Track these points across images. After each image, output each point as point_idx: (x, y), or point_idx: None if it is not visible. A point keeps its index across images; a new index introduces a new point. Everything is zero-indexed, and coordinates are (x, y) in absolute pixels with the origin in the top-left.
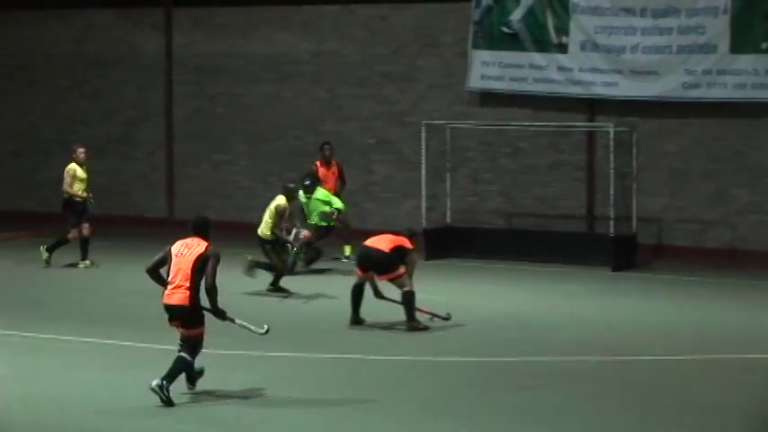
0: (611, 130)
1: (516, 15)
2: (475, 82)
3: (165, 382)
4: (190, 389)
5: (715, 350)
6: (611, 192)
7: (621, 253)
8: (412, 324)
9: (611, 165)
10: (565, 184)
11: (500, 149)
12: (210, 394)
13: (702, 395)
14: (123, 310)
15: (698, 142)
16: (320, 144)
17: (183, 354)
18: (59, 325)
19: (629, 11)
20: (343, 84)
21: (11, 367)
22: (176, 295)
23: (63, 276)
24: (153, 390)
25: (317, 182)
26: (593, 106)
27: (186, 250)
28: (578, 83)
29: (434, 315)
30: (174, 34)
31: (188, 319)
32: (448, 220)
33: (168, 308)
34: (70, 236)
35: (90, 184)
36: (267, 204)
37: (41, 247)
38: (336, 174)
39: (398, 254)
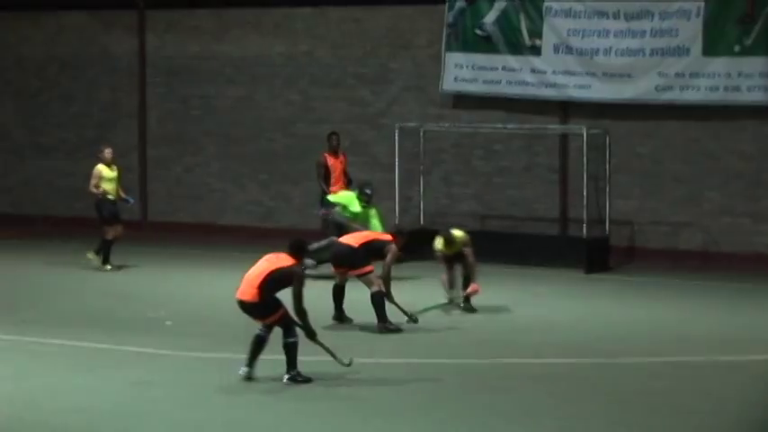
0: (585, 133)
1: (490, 18)
2: (448, 84)
3: (291, 371)
4: (247, 372)
5: (687, 352)
6: (585, 194)
7: (594, 255)
8: (382, 325)
9: (585, 167)
10: (538, 187)
11: (473, 152)
12: (182, 397)
13: (675, 397)
14: (96, 311)
15: (671, 145)
16: (327, 134)
17: (287, 339)
18: (30, 327)
19: (602, 14)
20: (316, 86)
21: None
22: (246, 292)
23: (34, 279)
24: (288, 383)
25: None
26: (567, 109)
27: (274, 258)
28: (552, 85)
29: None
30: (147, 36)
31: (258, 312)
32: (421, 221)
33: (240, 303)
34: (108, 236)
35: (120, 182)
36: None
37: (88, 254)
38: (344, 163)
39: (370, 249)
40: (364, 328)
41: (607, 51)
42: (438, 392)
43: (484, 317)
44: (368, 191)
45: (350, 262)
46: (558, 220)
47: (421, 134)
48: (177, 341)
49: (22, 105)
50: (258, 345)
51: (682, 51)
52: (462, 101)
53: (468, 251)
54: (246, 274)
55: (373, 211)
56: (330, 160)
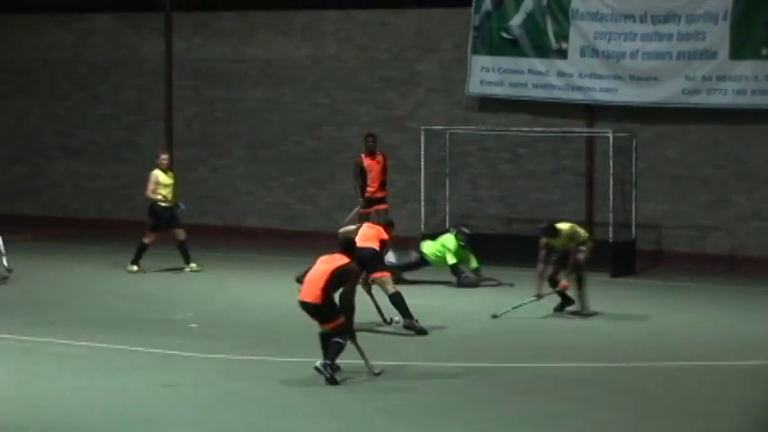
0: (611, 136)
1: (516, 21)
2: (474, 87)
3: (326, 361)
4: (320, 366)
5: (713, 357)
6: (611, 198)
7: (620, 259)
8: (409, 321)
9: (611, 171)
10: (564, 190)
11: (499, 155)
12: (206, 399)
13: (700, 402)
14: (122, 314)
15: (697, 148)
16: (363, 136)
17: (336, 339)
18: (57, 329)
19: (629, 17)
20: (343, 89)
21: (6, 370)
22: (310, 293)
23: (62, 281)
24: (318, 369)
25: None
26: (593, 112)
27: (330, 259)
28: (578, 88)
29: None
30: (174, 39)
31: (323, 315)
32: (447, 225)
33: (302, 305)
34: (146, 240)
35: (177, 189)
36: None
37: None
38: (381, 164)
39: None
40: (391, 331)
41: (634, 54)
42: (464, 396)
43: (510, 320)
44: (465, 230)
45: (372, 265)
46: (583, 223)
47: (447, 137)
48: (203, 343)
49: (50, 107)
50: (325, 341)
51: (709, 54)
52: (488, 104)
53: (579, 250)
54: (307, 277)
55: (468, 252)
56: (366, 161)
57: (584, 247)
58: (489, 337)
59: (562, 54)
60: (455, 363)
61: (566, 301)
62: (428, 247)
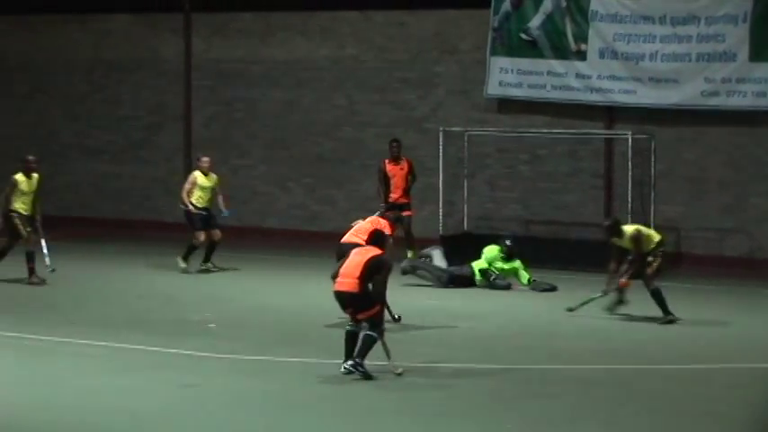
0: (630, 138)
1: (535, 22)
2: (493, 89)
3: (357, 359)
4: (350, 367)
5: (731, 359)
6: (629, 199)
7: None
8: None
9: (629, 173)
10: (583, 192)
11: (518, 156)
12: (225, 399)
13: (718, 404)
14: (140, 314)
15: (716, 150)
16: (389, 141)
17: (369, 332)
18: (75, 328)
19: (648, 18)
20: (362, 90)
21: (25, 370)
22: (346, 283)
23: (80, 281)
24: (347, 371)
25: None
26: (612, 114)
27: (363, 251)
28: (597, 90)
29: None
30: (193, 39)
31: (358, 303)
32: (465, 226)
33: (338, 294)
34: (196, 241)
35: (214, 193)
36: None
37: (177, 258)
38: (406, 170)
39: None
40: (411, 332)
41: (653, 56)
42: (481, 396)
43: (527, 322)
44: (508, 242)
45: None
46: (602, 225)
47: (465, 138)
48: (221, 344)
49: (69, 108)
50: (352, 340)
51: (728, 57)
52: (507, 105)
53: (648, 263)
54: (342, 269)
55: (518, 263)
56: (389, 167)
57: (651, 258)
58: (505, 338)
59: (581, 55)
60: (471, 364)
61: (619, 301)
62: (478, 265)
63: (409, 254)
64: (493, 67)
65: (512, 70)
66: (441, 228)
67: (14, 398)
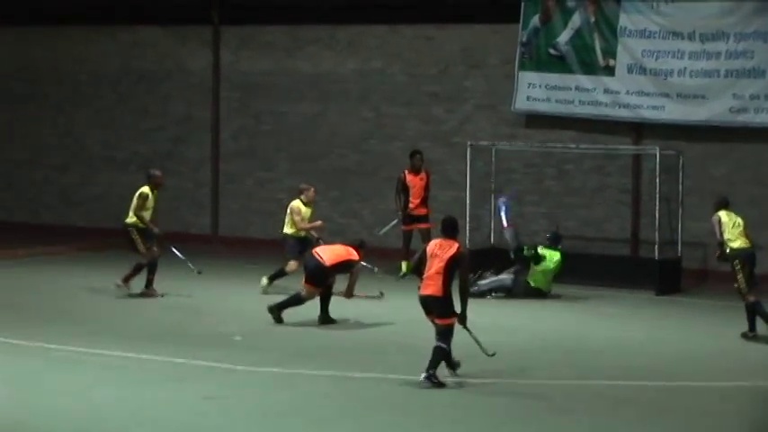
0: (657, 154)
1: (563, 37)
2: (521, 103)
3: (430, 371)
4: (451, 374)
5: (758, 377)
6: (657, 215)
7: (666, 277)
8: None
9: (657, 189)
10: (610, 208)
11: (545, 171)
12: (249, 412)
13: (744, 422)
14: (166, 325)
15: (744, 167)
16: (410, 152)
17: (439, 344)
18: (100, 339)
19: (677, 34)
20: (389, 103)
21: (50, 380)
22: (430, 287)
23: (107, 291)
24: (423, 384)
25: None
26: (640, 129)
27: (440, 251)
28: (625, 106)
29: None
30: (222, 52)
31: (441, 309)
32: (492, 241)
33: (423, 298)
34: (289, 269)
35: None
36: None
37: (263, 278)
38: (425, 180)
39: (339, 267)
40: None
41: (681, 72)
42: (505, 413)
43: (552, 337)
44: (548, 235)
45: (318, 279)
46: (629, 241)
47: (493, 153)
48: (248, 356)
49: (96, 119)
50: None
51: (757, 73)
52: (535, 120)
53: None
54: (426, 274)
55: (557, 255)
56: (409, 177)
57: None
58: (530, 353)
59: (609, 71)
60: (497, 379)
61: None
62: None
63: (404, 266)
64: (521, 81)
65: (540, 85)
66: (467, 242)
67: (38, 407)
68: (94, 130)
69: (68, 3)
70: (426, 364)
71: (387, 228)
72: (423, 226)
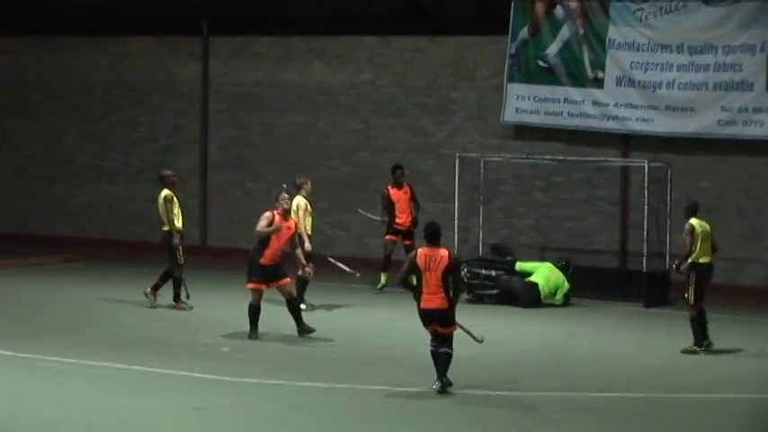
0: (646, 166)
1: (552, 49)
2: (510, 115)
3: (444, 379)
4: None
5: (745, 389)
6: (645, 228)
7: (654, 289)
8: (301, 328)
9: (646, 201)
10: (598, 220)
11: (534, 183)
12: (238, 423)
13: None
14: (154, 336)
15: (732, 179)
16: (392, 167)
17: (446, 349)
18: (89, 350)
19: (665, 47)
20: (378, 115)
21: (38, 391)
22: (435, 301)
23: (95, 302)
24: (439, 391)
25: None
26: (628, 142)
27: (432, 263)
28: (613, 118)
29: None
30: (211, 63)
31: (445, 319)
32: (480, 252)
33: (427, 311)
34: (302, 274)
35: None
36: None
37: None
38: (409, 194)
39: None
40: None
41: (670, 85)
42: (493, 424)
43: (541, 349)
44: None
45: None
46: (617, 253)
47: (481, 165)
48: (235, 367)
49: (86, 129)
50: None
51: (745, 86)
52: (523, 132)
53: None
54: (426, 289)
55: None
56: (392, 192)
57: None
58: (519, 365)
59: (598, 83)
60: (484, 391)
61: None
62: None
63: (383, 278)
64: (510, 93)
65: (528, 97)
66: (456, 253)
67: (27, 418)
68: (84, 140)
69: (58, 14)
70: (435, 373)
71: (370, 215)
72: (407, 242)
